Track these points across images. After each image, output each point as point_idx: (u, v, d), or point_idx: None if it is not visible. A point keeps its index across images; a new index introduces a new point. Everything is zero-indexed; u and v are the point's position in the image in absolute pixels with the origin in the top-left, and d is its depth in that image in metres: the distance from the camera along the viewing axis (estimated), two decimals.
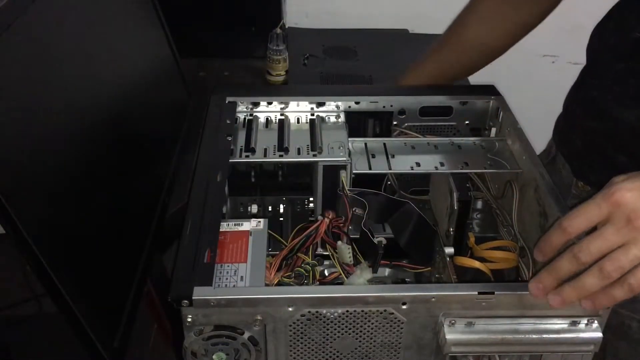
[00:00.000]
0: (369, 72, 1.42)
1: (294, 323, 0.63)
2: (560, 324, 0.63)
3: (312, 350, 0.65)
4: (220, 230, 0.72)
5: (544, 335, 0.63)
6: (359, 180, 0.83)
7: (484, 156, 0.83)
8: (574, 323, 0.63)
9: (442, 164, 0.80)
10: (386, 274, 0.82)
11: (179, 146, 0.98)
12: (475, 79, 1.24)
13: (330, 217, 0.79)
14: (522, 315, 0.63)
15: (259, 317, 0.62)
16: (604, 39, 0.87)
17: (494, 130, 0.89)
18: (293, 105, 0.89)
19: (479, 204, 0.88)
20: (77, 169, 0.69)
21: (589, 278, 0.56)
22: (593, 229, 0.58)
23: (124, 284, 0.74)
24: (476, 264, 0.76)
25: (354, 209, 0.82)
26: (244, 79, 1.43)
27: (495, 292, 0.62)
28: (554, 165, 0.99)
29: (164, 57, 1.03)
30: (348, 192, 0.81)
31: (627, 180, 0.57)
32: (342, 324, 0.63)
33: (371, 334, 0.64)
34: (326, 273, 0.78)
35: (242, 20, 1.45)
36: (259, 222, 0.74)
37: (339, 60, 1.48)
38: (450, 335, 0.63)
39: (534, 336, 0.63)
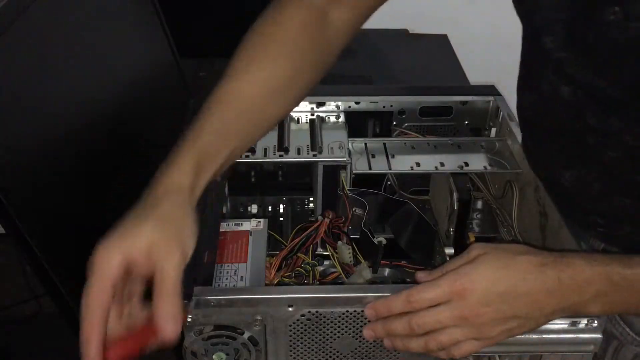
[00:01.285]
0: (369, 72, 1.42)
1: (294, 323, 0.63)
2: (560, 324, 0.63)
3: (312, 350, 0.65)
4: (220, 230, 0.72)
5: (544, 335, 0.63)
6: (359, 180, 0.83)
7: (484, 156, 0.83)
8: (574, 323, 0.63)
9: (442, 164, 0.80)
10: (386, 274, 0.82)
11: None
12: (475, 79, 1.24)
13: (330, 217, 0.79)
14: None
15: (259, 317, 0.62)
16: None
17: (494, 130, 0.89)
18: None
19: (479, 204, 0.88)
20: (77, 169, 0.69)
21: (398, 325, 0.59)
22: None
23: None
24: None
25: (354, 209, 0.82)
26: None
27: None
28: None
29: (164, 57, 1.03)
30: (348, 192, 0.81)
31: (480, 273, 0.57)
32: (342, 324, 0.63)
33: None
34: (326, 273, 0.78)
35: (242, 20, 1.45)
36: (259, 222, 0.74)
37: (339, 60, 1.48)
38: None
39: (534, 336, 0.63)
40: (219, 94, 0.64)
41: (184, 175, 0.58)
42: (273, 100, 0.67)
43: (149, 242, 0.53)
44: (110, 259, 0.53)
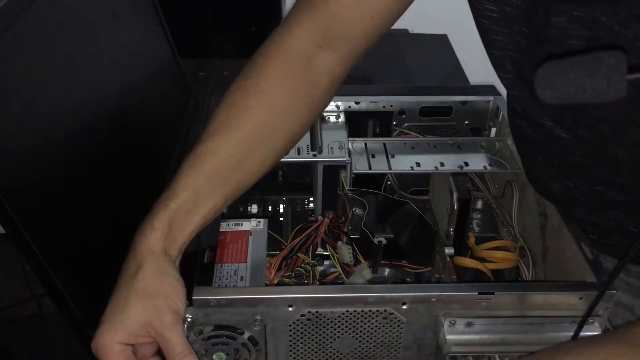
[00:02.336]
0: (369, 72, 1.42)
1: (294, 323, 0.63)
2: (560, 324, 0.63)
3: (312, 350, 0.65)
4: (220, 230, 0.72)
5: (544, 335, 0.63)
6: (359, 180, 0.83)
7: (484, 156, 0.83)
8: (574, 323, 0.63)
9: (442, 164, 0.80)
10: (386, 274, 0.82)
11: (179, 146, 0.98)
12: (475, 79, 1.24)
13: (330, 217, 0.79)
14: (522, 315, 0.63)
15: (259, 317, 0.62)
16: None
17: (494, 130, 0.89)
18: None
19: (479, 204, 0.88)
20: (77, 169, 0.69)
21: None
22: None
23: None
24: (476, 264, 0.76)
25: (354, 209, 0.82)
26: None
27: (495, 292, 0.62)
28: None
29: (164, 57, 1.03)
30: (348, 192, 0.81)
31: None
32: (342, 324, 0.63)
33: (371, 334, 0.64)
34: (326, 273, 0.78)
35: (242, 19, 1.45)
36: (259, 222, 0.74)
37: None
38: (450, 336, 0.63)
39: (534, 336, 0.63)
40: (195, 154, 0.64)
41: (157, 238, 0.60)
42: (252, 155, 0.66)
43: (140, 321, 0.57)
44: (109, 349, 0.56)
